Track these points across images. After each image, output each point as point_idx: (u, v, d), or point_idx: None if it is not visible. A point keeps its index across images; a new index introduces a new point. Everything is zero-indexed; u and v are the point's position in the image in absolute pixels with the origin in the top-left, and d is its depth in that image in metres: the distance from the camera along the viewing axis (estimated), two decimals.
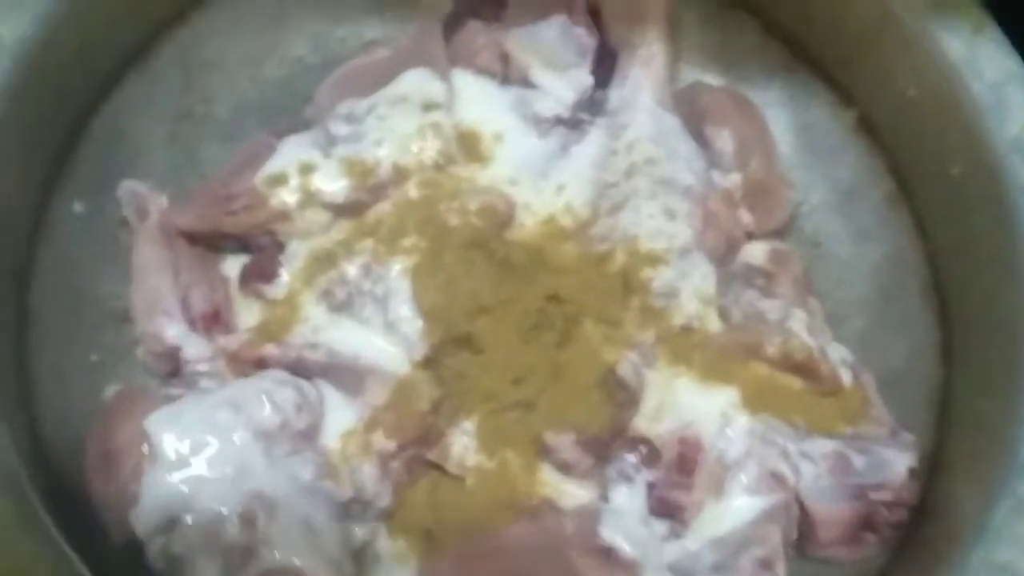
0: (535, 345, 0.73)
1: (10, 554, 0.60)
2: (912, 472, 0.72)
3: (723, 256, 0.79)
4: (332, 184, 0.76)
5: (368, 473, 0.70)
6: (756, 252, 0.81)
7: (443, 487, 0.72)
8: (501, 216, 0.77)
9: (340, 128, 0.79)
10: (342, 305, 0.75)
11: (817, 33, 0.84)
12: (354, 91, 0.81)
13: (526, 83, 0.83)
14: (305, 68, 0.87)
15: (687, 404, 0.73)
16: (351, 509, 0.70)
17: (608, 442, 0.72)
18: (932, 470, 0.74)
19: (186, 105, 0.84)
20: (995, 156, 0.72)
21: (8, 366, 0.70)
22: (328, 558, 0.68)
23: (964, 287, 0.76)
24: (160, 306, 0.76)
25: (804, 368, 0.75)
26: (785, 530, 0.71)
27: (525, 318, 0.73)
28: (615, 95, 0.83)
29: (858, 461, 0.72)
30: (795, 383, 0.75)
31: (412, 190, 0.77)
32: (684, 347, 0.75)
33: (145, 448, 0.68)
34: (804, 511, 0.72)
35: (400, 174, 0.77)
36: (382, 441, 0.71)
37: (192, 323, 0.76)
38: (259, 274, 0.77)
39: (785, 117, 0.87)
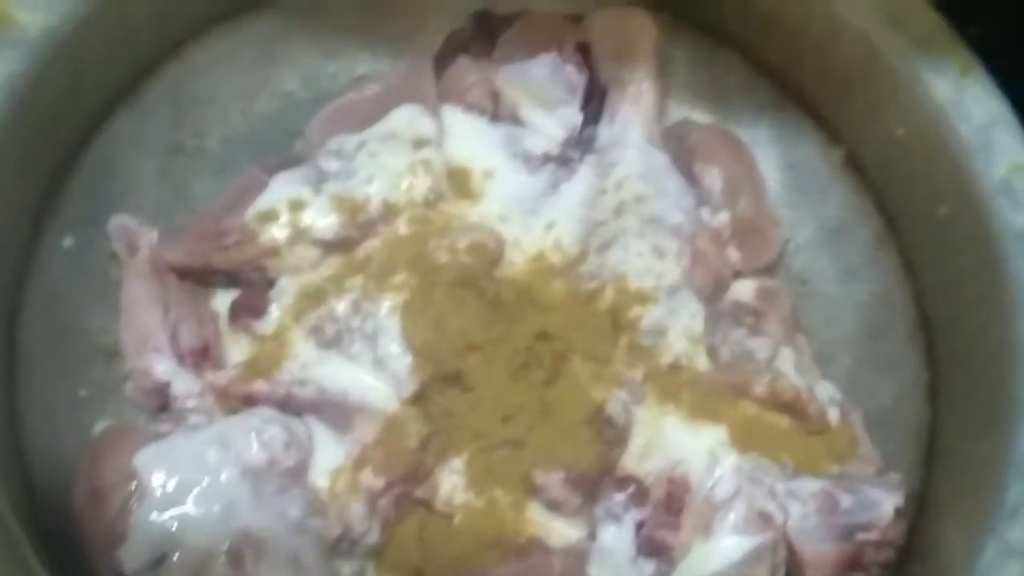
0: (524, 383, 0.73)
1: None
2: (899, 512, 0.72)
3: (711, 294, 0.79)
4: (322, 220, 0.76)
5: (356, 511, 0.70)
6: (744, 290, 0.81)
7: (431, 525, 0.72)
8: (491, 253, 0.77)
9: (330, 164, 0.79)
10: (331, 342, 0.75)
11: (805, 72, 0.84)
12: (345, 127, 0.81)
13: (516, 120, 0.83)
14: (296, 103, 0.87)
15: (675, 443, 0.73)
16: (339, 547, 0.70)
17: (597, 480, 0.72)
18: (920, 510, 0.74)
19: (177, 140, 0.84)
20: (982, 198, 0.72)
21: None
22: None
23: (951, 327, 0.77)
24: (150, 342, 0.75)
25: (792, 407, 0.75)
26: (773, 570, 0.71)
27: (514, 356, 0.73)
28: (604, 132, 0.83)
29: (845, 501, 0.72)
30: (783, 422, 0.75)
31: (402, 227, 0.77)
32: (672, 385, 0.75)
33: (133, 485, 0.68)
34: (792, 551, 0.71)
35: (390, 211, 0.77)
36: (370, 478, 0.70)
37: (181, 359, 0.75)
38: (248, 310, 0.77)
39: (773, 155, 0.87)
